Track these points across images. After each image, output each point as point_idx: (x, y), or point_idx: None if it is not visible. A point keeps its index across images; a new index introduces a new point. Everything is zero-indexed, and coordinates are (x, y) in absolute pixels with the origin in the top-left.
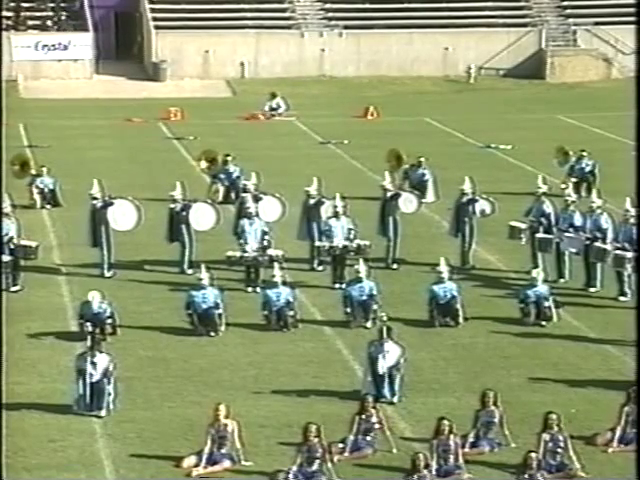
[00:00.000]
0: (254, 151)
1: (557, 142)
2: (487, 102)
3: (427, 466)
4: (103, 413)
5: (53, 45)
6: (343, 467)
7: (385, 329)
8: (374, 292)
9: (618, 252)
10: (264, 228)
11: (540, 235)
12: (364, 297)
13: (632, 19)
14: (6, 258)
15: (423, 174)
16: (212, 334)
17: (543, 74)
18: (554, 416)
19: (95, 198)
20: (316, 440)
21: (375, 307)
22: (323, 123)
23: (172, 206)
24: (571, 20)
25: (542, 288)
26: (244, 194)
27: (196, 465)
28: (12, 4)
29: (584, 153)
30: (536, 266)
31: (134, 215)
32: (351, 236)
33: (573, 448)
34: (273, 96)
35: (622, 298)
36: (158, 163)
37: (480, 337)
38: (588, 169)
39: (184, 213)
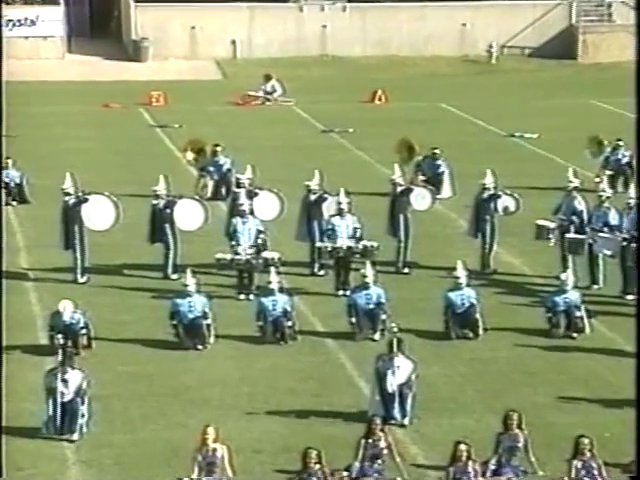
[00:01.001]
0: (247, 141)
1: (590, 130)
2: (510, 85)
3: None
4: (76, 437)
5: (19, 20)
6: None
7: (395, 342)
8: (382, 300)
9: None
10: (259, 227)
11: (571, 235)
12: (371, 305)
13: None
14: None
15: (438, 166)
16: (200, 347)
17: (574, 53)
18: (586, 440)
19: (67, 194)
20: (317, 467)
21: (384, 317)
22: (325, 109)
23: (155, 202)
24: None
25: (573, 295)
26: (236, 189)
27: None
28: None
29: (620, 143)
30: (566, 270)
31: (112, 213)
32: (357, 236)
33: (608, 476)
34: (268, 78)
35: None
36: (139, 154)
37: (502, 350)
38: (625, 161)
39: (168, 211)
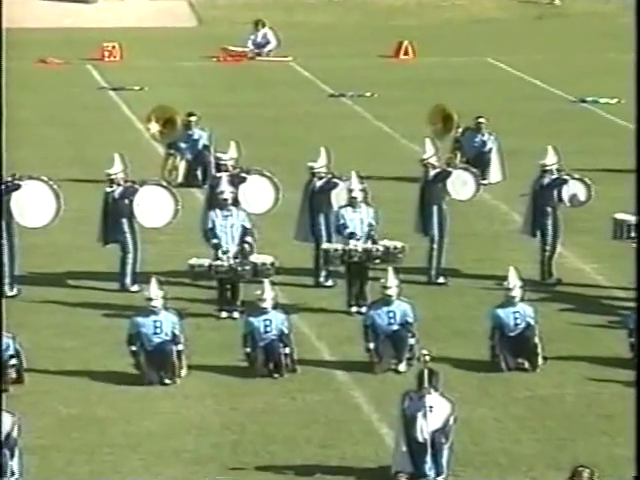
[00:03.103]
0: (231, 108)
1: None
2: (581, 34)
3: None
4: None
5: None
6: None
7: (427, 374)
8: (409, 319)
9: None
10: (245, 223)
11: None
12: (395, 326)
13: None
14: None
15: (483, 142)
16: (168, 381)
17: None
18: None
19: None
20: None
21: (411, 341)
22: (334, 67)
23: (108, 190)
24: None
25: None
26: (217, 173)
27: None
28: None
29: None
30: None
31: (50, 204)
32: (375, 234)
33: None
34: (259, 26)
35: None
36: (87, 126)
37: (569, 386)
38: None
39: (126, 201)
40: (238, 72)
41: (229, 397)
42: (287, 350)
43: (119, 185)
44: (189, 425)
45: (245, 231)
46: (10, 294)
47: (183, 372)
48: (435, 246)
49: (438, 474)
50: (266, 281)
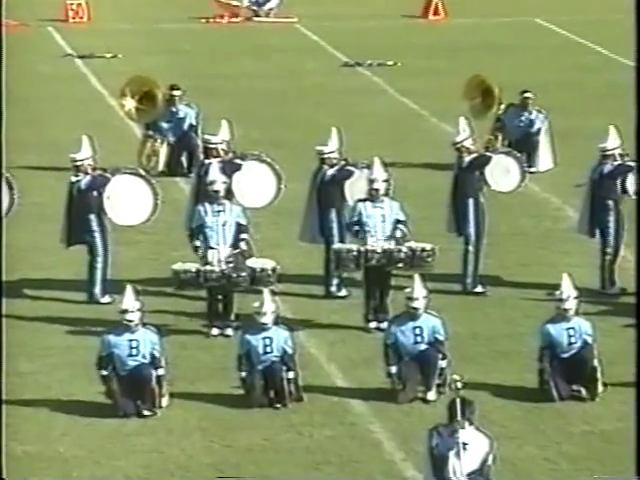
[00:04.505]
0: (223, 80)
1: None
2: None
3: None
4: None
5: None
6: None
7: (460, 404)
8: (440, 336)
9: None
10: (241, 220)
11: None
12: (422, 346)
13: None
14: None
15: (530, 122)
16: (147, 413)
17: None
18: None
19: None
20: None
21: (442, 364)
22: (348, 30)
23: (74, 180)
24: None
25: None
26: (206, 159)
27: None
28: None
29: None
30: None
31: (3, 196)
32: (399, 234)
33: None
34: None
35: None
36: (48, 102)
37: (634, 419)
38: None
39: (95, 193)
40: (232, 36)
41: (221, 432)
42: (291, 375)
43: (86, 174)
44: (173, 466)
45: (240, 230)
46: None
47: (165, 401)
48: (471, 248)
49: None
50: (266, 291)
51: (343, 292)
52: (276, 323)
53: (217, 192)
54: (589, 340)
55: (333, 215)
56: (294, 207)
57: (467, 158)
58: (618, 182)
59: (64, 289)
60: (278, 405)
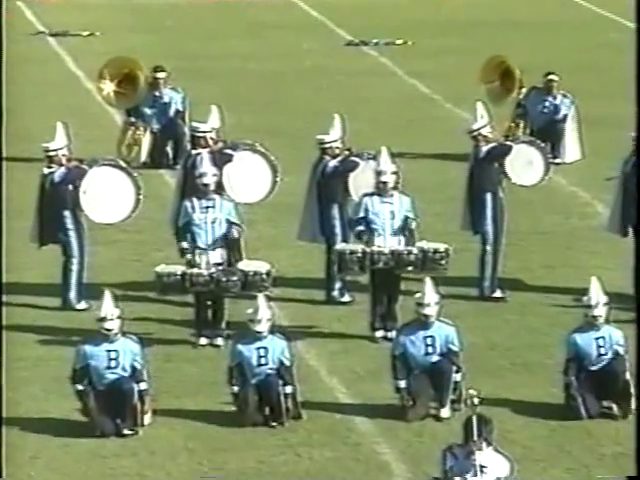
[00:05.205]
0: (214, 61)
1: None
2: None
3: None
4: None
5: None
6: None
7: (476, 423)
8: (454, 347)
9: None
10: (232, 217)
11: None
12: (434, 357)
13: None
14: None
15: (555, 108)
16: (127, 431)
17: None
18: None
19: None
20: None
21: (457, 377)
22: (353, 5)
23: (46, 172)
24: None
25: None
26: (193, 149)
27: None
28: None
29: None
30: None
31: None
32: (409, 233)
33: None
34: None
35: None
36: (17, 85)
37: None
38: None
39: (70, 187)
40: (223, 12)
41: (210, 453)
42: (288, 389)
43: (61, 165)
44: None
45: (232, 228)
46: None
47: (147, 419)
48: (489, 248)
49: None
50: (260, 296)
51: (346, 297)
52: (272, 332)
53: (206, 186)
54: (621, 351)
55: (335, 211)
56: (292, 202)
57: (485, 148)
58: None
59: (35, 294)
60: (274, 423)
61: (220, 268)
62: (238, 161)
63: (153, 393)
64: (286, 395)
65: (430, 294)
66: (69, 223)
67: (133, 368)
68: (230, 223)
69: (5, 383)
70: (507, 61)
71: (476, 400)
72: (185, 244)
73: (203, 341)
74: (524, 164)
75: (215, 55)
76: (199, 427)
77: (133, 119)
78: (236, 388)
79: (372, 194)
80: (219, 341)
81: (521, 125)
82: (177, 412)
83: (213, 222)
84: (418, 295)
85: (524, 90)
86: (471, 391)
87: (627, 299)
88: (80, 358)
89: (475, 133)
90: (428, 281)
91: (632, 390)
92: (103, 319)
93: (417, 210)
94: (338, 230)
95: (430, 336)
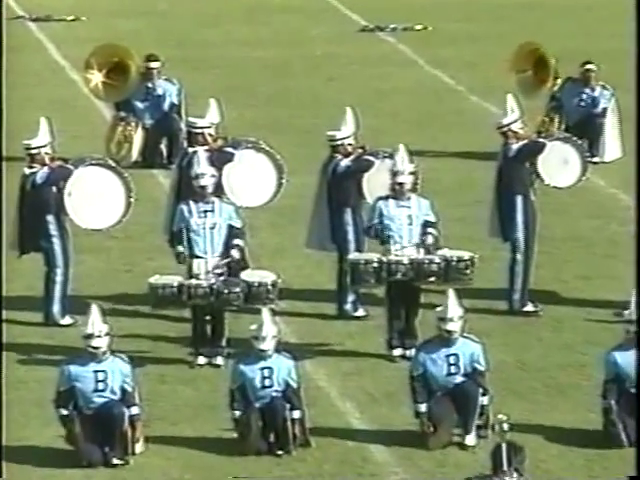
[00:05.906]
0: (211, 49)
1: None
2: None
3: None
4: None
5: None
6: None
7: (505, 451)
8: (480, 367)
9: None
10: (233, 222)
11: None
12: (458, 378)
13: None
14: None
15: (594, 100)
16: (116, 461)
17: None
18: None
19: None
20: None
21: (483, 400)
22: None
23: (27, 172)
24: None
25: None
26: (190, 147)
27: None
28: None
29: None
30: None
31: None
32: (429, 240)
33: None
34: None
35: None
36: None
37: None
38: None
39: (53, 189)
40: None
41: None
42: (296, 414)
43: (43, 165)
44: None
45: (233, 234)
46: None
47: (139, 447)
48: (519, 257)
49: None
50: (265, 310)
51: (360, 312)
52: (277, 350)
53: (203, 188)
54: None
55: (348, 216)
56: (299, 206)
57: (515, 145)
58: None
59: (15, 307)
60: (280, 452)
61: (221, 278)
62: (239, 160)
63: (145, 418)
64: (293, 420)
65: (453, 308)
66: (52, 229)
67: (123, 391)
68: (232, 229)
69: None
70: (541, 48)
71: (505, 426)
72: (181, 248)
73: (201, 360)
74: (559, 163)
75: (213, 42)
76: (196, 456)
77: (123, 113)
78: (238, 413)
79: (387, 197)
80: (219, 360)
81: (556, 120)
82: (172, 439)
83: (212, 227)
84: (440, 309)
85: (559, 81)
86: (500, 416)
87: None
88: (64, 379)
89: (504, 129)
90: (451, 293)
91: None
92: (90, 336)
93: (438, 214)
94: (351, 237)
95: (453, 354)
